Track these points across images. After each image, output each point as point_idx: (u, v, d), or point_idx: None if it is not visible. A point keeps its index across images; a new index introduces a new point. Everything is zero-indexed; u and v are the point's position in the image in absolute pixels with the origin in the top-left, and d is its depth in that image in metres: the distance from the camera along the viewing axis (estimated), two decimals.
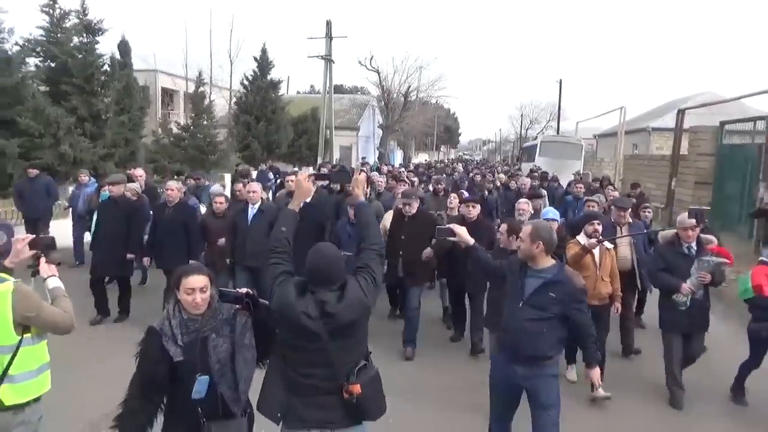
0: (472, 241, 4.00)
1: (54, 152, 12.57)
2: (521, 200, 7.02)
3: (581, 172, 21.23)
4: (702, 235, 5.11)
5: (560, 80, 37.69)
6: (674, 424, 4.82)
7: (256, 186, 6.87)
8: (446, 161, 43.32)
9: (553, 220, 5.94)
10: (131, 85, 15.84)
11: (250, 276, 6.53)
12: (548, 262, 3.48)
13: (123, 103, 15.11)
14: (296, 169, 24.36)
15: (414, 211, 6.19)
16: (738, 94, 23.76)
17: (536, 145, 28.33)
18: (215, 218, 6.99)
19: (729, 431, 4.75)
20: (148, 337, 2.54)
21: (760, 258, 5.13)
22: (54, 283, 2.95)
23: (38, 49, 13.72)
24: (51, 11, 13.80)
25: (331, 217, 7.05)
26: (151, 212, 7.61)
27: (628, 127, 29.94)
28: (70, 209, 10.04)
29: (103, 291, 6.86)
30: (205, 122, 19.61)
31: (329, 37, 27.22)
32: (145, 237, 7.25)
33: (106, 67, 14.35)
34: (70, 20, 14.06)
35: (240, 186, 8.06)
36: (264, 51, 25.10)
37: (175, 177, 12.12)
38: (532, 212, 7.07)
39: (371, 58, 36.47)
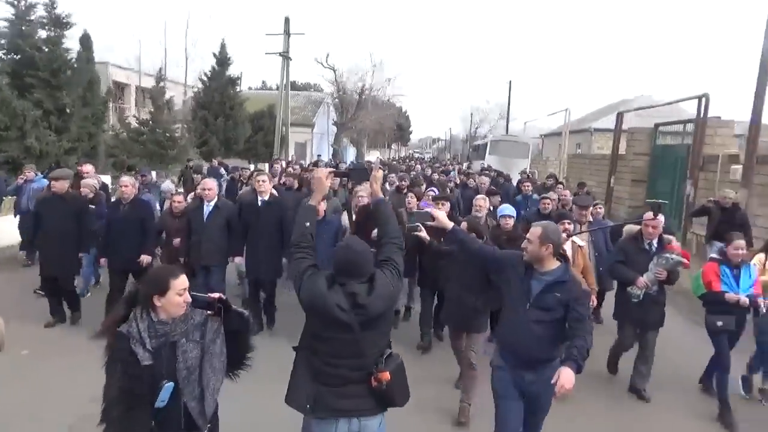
0: (451, 224, 3.82)
1: (20, 145, 12.71)
2: (478, 196, 7.16)
3: (528, 170, 22.73)
4: (664, 235, 5.29)
5: (510, 81, 39.36)
6: (627, 413, 5.12)
7: (212, 183, 6.65)
8: (398, 159, 44.36)
9: (509, 216, 6.13)
10: (94, 80, 15.98)
11: (205, 275, 6.38)
12: (555, 263, 3.41)
13: (86, 97, 15.26)
14: (252, 166, 24.76)
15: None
16: (672, 97, 25.91)
17: (486, 143, 30.27)
18: (173, 217, 6.81)
19: (681, 419, 5.04)
20: (115, 342, 2.37)
21: (710, 255, 5.38)
22: None
23: (2, 42, 13.75)
24: (16, 2, 13.86)
25: (291, 214, 6.62)
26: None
27: (573, 127, 31.82)
28: (14, 203, 9.70)
29: (55, 292, 6.56)
30: (165, 117, 19.80)
31: (287, 33, 27.63)
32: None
33: (72, 61, 14.49)
34: (35, 12, 14.15)
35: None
36: (223, 47, 25.41)
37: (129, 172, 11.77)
38: (490, 209, 7.33)
39: (327, 57, 36.98)
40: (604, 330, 6.34)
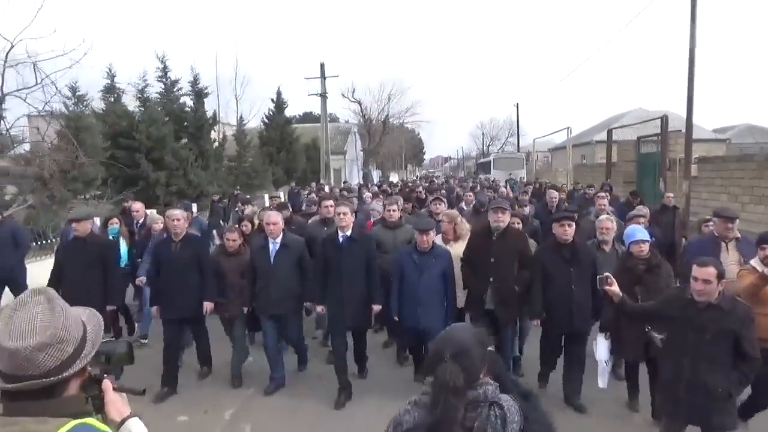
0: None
1: (185, 180, 19.04)
2: (602, 217, 6.17)
3: (524, 178, 30.05)
4: None
5: (517, 104, 46.12)
6: None
7: (277, 216, 5.86)
8: (417, 178, 50.55)
9: (644, 241, 5.13)
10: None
11: (277, 326, 5.90)
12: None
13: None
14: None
15: (505, 224, 5.44)
16: (659, 107, 32.63)
17: (490, 161, 40.19)
18: (228, 257, 6.19)
19: None
20: None
21: None
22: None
23: (159, 108, 20.30)
24: (165, 80, 20.47)
25: (374, 251, 5.93)
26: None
27: (577, 141, 38.30)
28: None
29: None
30: (249, 154, 26.32)
31: (323, 77, 34.29)
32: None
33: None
34: (178, 84, 20.84)
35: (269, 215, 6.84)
36: (279, 93, 32.11)
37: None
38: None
39: (353, 91, 43.74)
40: None
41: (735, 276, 4.82)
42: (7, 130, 11.67)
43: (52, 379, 1.37)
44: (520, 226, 6.46)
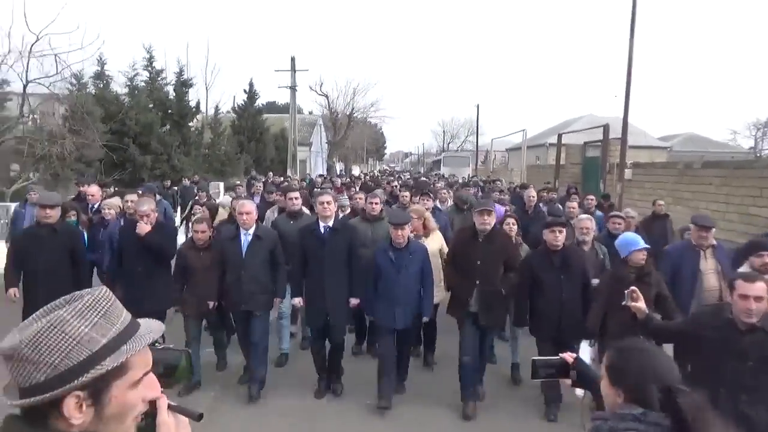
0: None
1: (168, 165, 20.69)
2: (582, 216, 6.38)
3: (471, 176, 33.38)
4: None
5: (478, 105, 48.61)
6: None
7: (250, 206, 5.59)
8: (378, 173, 52.84)
9: (642, 249, 4.94)
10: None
11: (246, 324, 5.62)
12: None
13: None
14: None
15: (491, 226, 5.32)
16: (607, 113, 35.77)
17: (441, 159, 46.81)
18: (198, 251, 5.80)
19: None
20: None
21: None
22: None
23: (144, 96, 21.85)
24: (150, 69, 22.05)
25: (356, 243, 5.77)
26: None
27: (533, 142, 41.25)
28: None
29: None
30: (222, 142, 27.99)
31: (293, 70, 36.10)
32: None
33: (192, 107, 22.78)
34: (162, 74, 22.43)
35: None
36: (251, 84, 33.78)
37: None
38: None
39: (321, 85, 45.59)
40: None
41: (715, 284, 5.01)
42: (30, 112, 13.23)
43: (26, 401, 1.06)
44: (516, 227, 6.43)
